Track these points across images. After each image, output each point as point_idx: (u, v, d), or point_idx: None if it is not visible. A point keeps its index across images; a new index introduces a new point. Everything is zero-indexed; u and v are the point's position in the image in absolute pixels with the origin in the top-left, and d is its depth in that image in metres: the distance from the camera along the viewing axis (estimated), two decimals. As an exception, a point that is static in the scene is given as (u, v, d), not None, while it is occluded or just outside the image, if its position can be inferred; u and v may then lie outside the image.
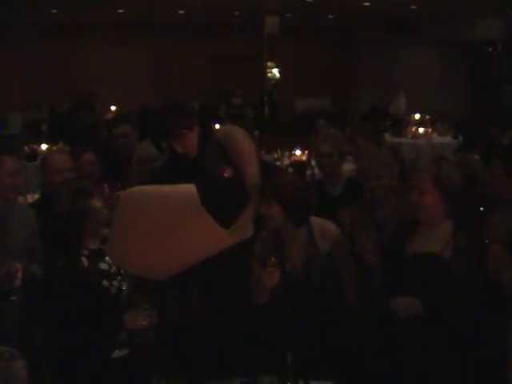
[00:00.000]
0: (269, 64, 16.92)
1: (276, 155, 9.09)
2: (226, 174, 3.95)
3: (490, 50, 20.87)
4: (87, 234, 3.80)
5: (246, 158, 4.08)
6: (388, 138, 12.23)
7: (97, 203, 3.84)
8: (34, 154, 10.23)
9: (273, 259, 3.69)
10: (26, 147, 10.62)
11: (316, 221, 4.08)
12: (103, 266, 3.86)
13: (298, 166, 8.42)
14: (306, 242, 4.01)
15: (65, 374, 3.79)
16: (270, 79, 16.99)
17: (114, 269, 3.87)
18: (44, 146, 10.64)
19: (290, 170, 8.33)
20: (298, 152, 9.16)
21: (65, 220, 3.79)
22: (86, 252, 3.81)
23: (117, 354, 3.75)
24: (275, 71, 16.87)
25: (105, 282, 3.81)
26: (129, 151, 5.75)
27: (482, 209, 4.28)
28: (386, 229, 4.25)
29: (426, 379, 3.63)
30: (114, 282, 3.84)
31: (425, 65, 20.03)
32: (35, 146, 10.68)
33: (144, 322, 3.70)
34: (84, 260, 3.79)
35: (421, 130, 12.37)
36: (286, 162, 8.85)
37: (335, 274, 4.00)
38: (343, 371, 3.83)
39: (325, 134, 5.52)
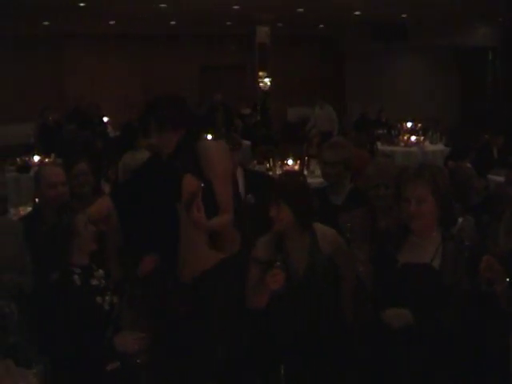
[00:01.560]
0: (260, 74, 16.96)
1: (268, 165, 9.08)
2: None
3: (481, 57, 20.97)
4: (75, 251, 3.77)
5: (220, 176, 4.09)
6: (380, 146, 12.26)
7: (82, 219, 3.81)
8: (27, 166, 10.23)
9: (279, 263, 3.68)
10: (18, 159, 10.63)
11: (318, 226, 4.06)
12: (94, 282, 3.82)
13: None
14: (309, 246, 3.99)
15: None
16: (262, 89, 17.02)
17: (103, 283, 3.85)
18: (36, 158, 10.64)
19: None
20: (290, 162, 9.17)
21: (51, 238, 3.76)
22: (77, 270, 3.79)
23: (110, 366, 3.72)
24: (267, 81, 16.91)
25: (98, 299, 3.77)
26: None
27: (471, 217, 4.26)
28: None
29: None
30: (106, 298, 3.82)
31: (417, 72, 20.13)
32: (27, 158, 10.68)
33: (135, 346, 3.68)
34: (76, 278, 3.76)
35: (413, 138, 12.39)
36: (279, 171, 8.84)
37: (336, 281, 4.00)
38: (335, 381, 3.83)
39: (330, 142, 5.37)
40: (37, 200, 5.38)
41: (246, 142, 11.38)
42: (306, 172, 8.44)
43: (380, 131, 14.02)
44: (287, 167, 8.94)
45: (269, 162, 9.12)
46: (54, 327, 3.62)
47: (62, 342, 3.60)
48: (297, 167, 8.97)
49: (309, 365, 3.85)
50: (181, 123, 4.05)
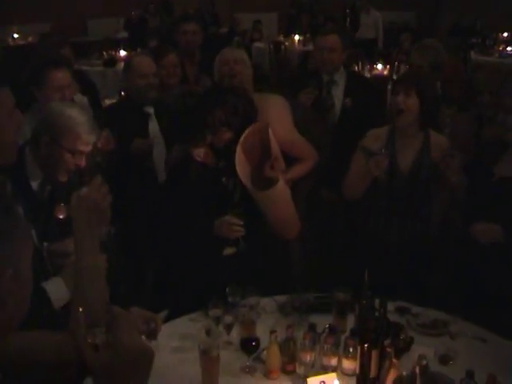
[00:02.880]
0: (352, -25, 16.36)
1: (356, 68, 8.81)
2: None
3: None
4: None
5: (293, 141, 4.17)
6: (473, 55, 11.78)
7: None
8: (113, 60, 10.26)
9: (384, 150, 3.80)
10: (104, 53, 10.67)
11: (432, 132, 4.02)
12: (221, 164, 3.83)
13: (379, 80, 8.20)
14: (420, 147, 3.98)
15: (174, 272, 3.92)
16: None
17: (228, 165, 3.81)
18: (122, 53, 10.66)
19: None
20: (379, 66, 8.92)
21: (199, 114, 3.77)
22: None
23: (227, 251, 3.78)
24: (358, -18, 16.32)
25: (224, 179, 3.80)
26: (194, 49, 5.88)
27: None
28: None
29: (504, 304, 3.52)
30: (231, 179, 3.79)
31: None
32: (114, 52, 10.71)
33: (229, 232, 3.70)
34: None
35: (509, 48, 11.85)
36: (367, 75, 8.58)
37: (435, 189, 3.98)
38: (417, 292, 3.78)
39: (419, 44, 5.14)
40: (122, 93, 5.37)
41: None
42: (395, 77, 8.17)
43: (474, 40, 13.45)
44: (376, 71, 8.70)
45: (357, 66, 8.85)
46: (178, 205, 3.75)
47: (183, 221, 3.72)
48: (386, 72, 8.71)
49: (394, 272, 3.83)
50: (236, 123, 3.78)
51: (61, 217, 3.12)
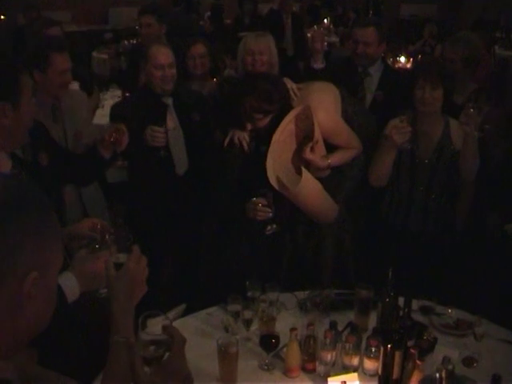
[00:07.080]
0: (374, -34, 16.20)
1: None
2: None
3: None
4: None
5: (341, 134, 4.00)
6: (498, 50, 11.64)
7: None
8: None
9: (404, 116, 3.81)
10: (126, 42, 10.60)
11: (452, 119, 4.05)
12: (262, 148, 3.83)
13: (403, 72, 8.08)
14: (441, 135, 4.02)
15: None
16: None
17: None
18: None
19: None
20: (402, 59, 8.79)
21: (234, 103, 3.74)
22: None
23: (269, 229, 3.81)
24: (380, -27, 16.16)
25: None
26: None
27: None
28: None
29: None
30: None
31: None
32: (135, 42, 10.64)
33: (257, 214, 3.68)
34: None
35: (534, 42, 11.68)
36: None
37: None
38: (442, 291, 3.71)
39: (453, 37, 4.99)
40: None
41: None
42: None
43: (498, 35, 13.25)
44: (399, 64, 8.57)
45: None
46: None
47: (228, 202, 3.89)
48: (409, 65, 8.58)
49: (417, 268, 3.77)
50: (272, 109, 3.72)
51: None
